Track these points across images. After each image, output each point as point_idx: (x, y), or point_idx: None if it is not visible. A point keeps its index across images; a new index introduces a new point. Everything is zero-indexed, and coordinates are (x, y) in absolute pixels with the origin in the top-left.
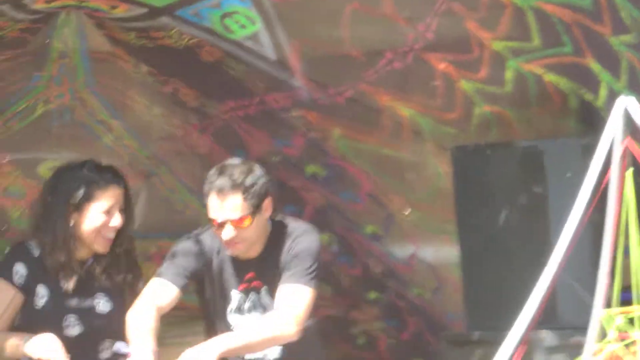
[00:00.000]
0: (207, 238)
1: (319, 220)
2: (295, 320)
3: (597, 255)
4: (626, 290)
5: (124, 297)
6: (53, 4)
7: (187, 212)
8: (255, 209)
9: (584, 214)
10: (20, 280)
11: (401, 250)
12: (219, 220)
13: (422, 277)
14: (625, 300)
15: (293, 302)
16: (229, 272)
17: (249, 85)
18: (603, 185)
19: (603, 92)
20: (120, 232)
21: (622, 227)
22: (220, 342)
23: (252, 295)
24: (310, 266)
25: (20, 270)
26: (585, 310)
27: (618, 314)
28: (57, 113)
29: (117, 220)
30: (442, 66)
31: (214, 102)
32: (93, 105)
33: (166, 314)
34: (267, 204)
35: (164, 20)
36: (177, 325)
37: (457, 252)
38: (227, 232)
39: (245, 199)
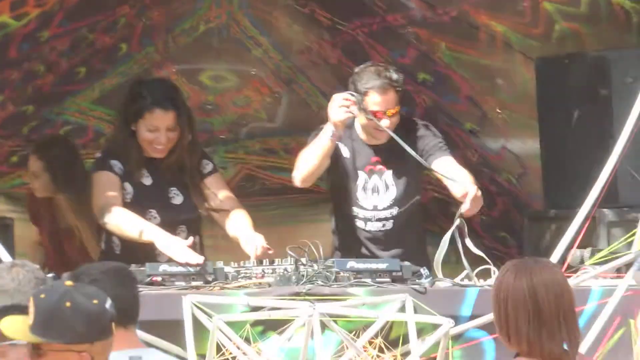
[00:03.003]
0: None
1: (427, 118)
2: None
3: None
4: None
5: (189, 192)
6: None
7: (319, 112)
8: (400, 102)
9: None
10: (119, 172)
11: (493, 143)
12: (382, 110)
13: (509, 165)
14: None
15: (458, 166)
16: (360, 154)
17: (373, 7)
18: None
19: None
20: (177, 142)
21: None
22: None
23: (375, 177)
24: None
25: (117, 164)
26: (639, 191)
27: None
28: (216, 30)
29: (161, 137)
30: None
31: (343, 20)
32: (245, 24)
33: (301, 197)
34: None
35: None
36: (311, 205)
37: (538, 144)
38: (386, 121)
39: (397, 90)
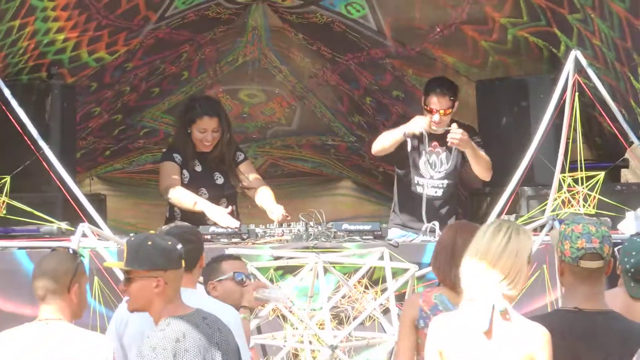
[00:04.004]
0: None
1: (400, 123)
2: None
3: (558, 142)
4: (573, 163)
5: (228, 175)
6: None
7: (323, 119)
8: (453, 106)
9: (551, 119)
10: (179, 162)
11: None
12: (436, 109)
13: None
14: (573, 169)
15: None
16: (426, 139)
17: (361, 45)
18: (562, 102)
19: (562, 47)
20: (219, 140)
21: (572, 126)
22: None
23: (434, 156)
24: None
25: (177, 156)
26: (550, 174)
27: (568, 176)
28: (250, 62)
29: (208, 137)
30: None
31: (340, 54)
32: (271, 57)
33: (310, 179)
34: (456, 105)
35: (312, 7)
36: (318, 184)
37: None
38: (437, 116)
39: (450, 99)
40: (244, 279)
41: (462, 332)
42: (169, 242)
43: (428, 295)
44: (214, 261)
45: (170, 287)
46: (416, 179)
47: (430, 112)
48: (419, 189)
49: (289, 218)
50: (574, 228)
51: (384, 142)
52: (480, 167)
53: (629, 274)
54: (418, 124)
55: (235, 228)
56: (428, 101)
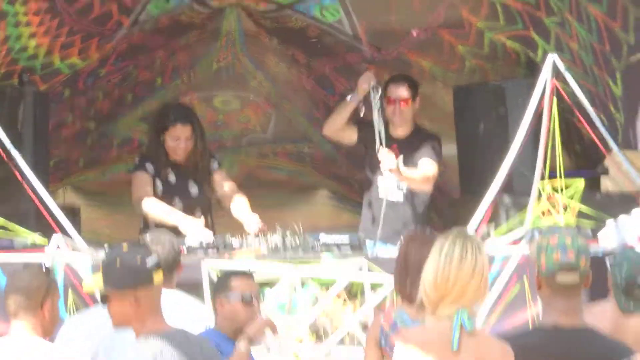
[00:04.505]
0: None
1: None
2: (430, 177)
3: (536, 149)
4: (552, 171)
5: (202, 185)
6: (224, 3)
7: (299, 126)
8: (412, 98)
9: (529, 125)
10: (151, 172)
11: None
12: (393, 98)
13: None
14: (552, 177)
15: (430, 167)
16: (386, 143)
17: (336, 49)
18: (540, 108)
19: (540, 51)
20: (193, 149)
21: (551, 131)
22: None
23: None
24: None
25: (150, 166)
26: (529, 182)
27: (547, 184)
28: (224, 68)
29: (181, 145)
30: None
31: (315, 59)
32: (246, 63)
33: (286, 188)
34: (418, 101)
35: (287, 12)
36: (293, 193)
37: (455, 149)
38: (396, 108)
39: (409, 88)
40: (251, 298)
41: (428, 348)
42: (138, 259)
43: (389, 313)
44: (224, 277)
45: (143, 305)
46: (377, 180)
47: (388, 101)
48: (380, 193)
49: (264, 228)
50: (549, 240)
51: (335, 115)
52: (413, 185)
53: (620, 287)
54: (364, 79)
55: (208, 243)
56: (387, 92)
